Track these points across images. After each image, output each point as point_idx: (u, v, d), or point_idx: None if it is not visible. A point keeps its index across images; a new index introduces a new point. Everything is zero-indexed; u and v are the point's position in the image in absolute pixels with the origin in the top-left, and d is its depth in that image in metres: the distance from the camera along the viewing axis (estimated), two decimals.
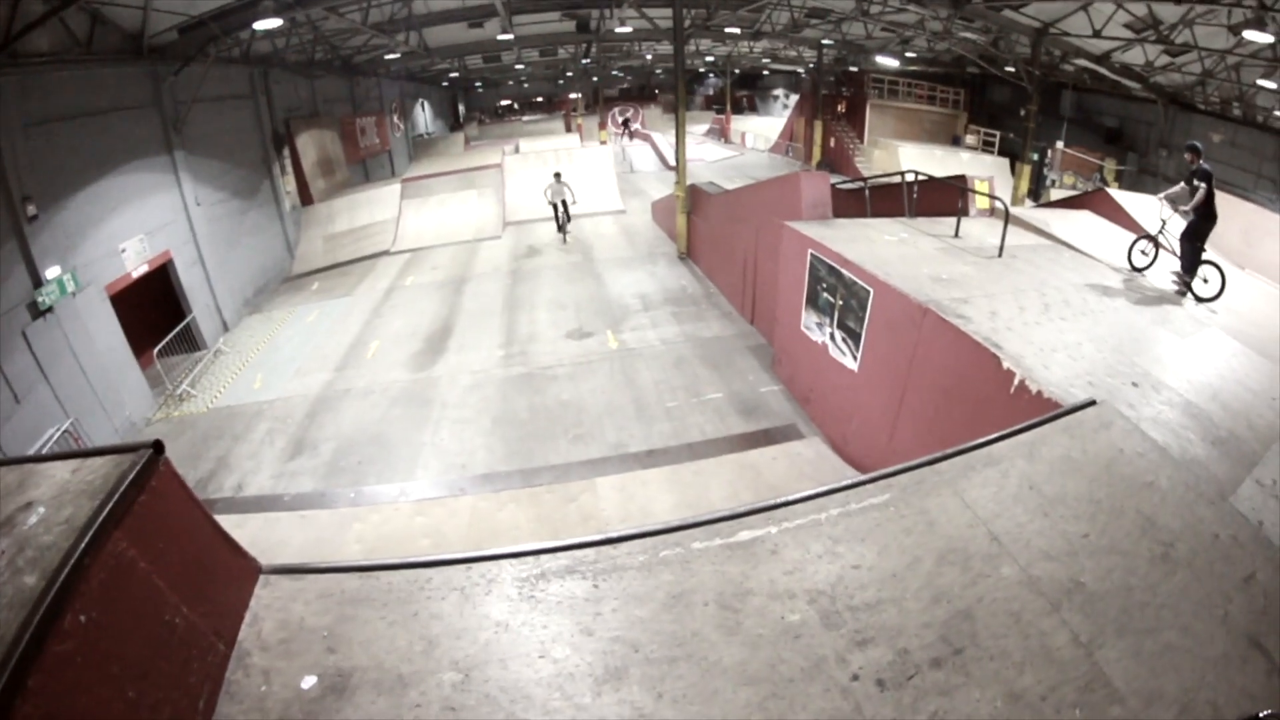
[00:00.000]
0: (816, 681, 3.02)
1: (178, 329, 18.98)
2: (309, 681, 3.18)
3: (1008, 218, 10.94)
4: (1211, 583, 3.53)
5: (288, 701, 3.11)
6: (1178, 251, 10.44)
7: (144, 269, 17.91)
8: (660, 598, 3.45)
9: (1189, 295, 9.97)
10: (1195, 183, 10.18)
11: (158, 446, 3.20)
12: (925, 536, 3.60)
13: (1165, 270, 10.48)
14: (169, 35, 18.58)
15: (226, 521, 3.62)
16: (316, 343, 19.38)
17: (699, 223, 21.22)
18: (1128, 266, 10.77)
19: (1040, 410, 6.06)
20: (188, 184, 20.39)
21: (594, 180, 31.55)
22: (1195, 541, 3.76)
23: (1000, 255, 10.48)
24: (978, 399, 7.63)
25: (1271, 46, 19.12)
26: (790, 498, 3.94)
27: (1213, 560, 3.67)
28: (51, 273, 14.04)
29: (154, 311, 19.22)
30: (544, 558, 3.73)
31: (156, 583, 3.00)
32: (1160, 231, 10.89)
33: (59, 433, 13.16)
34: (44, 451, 11.60)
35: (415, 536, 9.66)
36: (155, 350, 17.40)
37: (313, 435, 14.09)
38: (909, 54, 35.02)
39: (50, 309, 13.81)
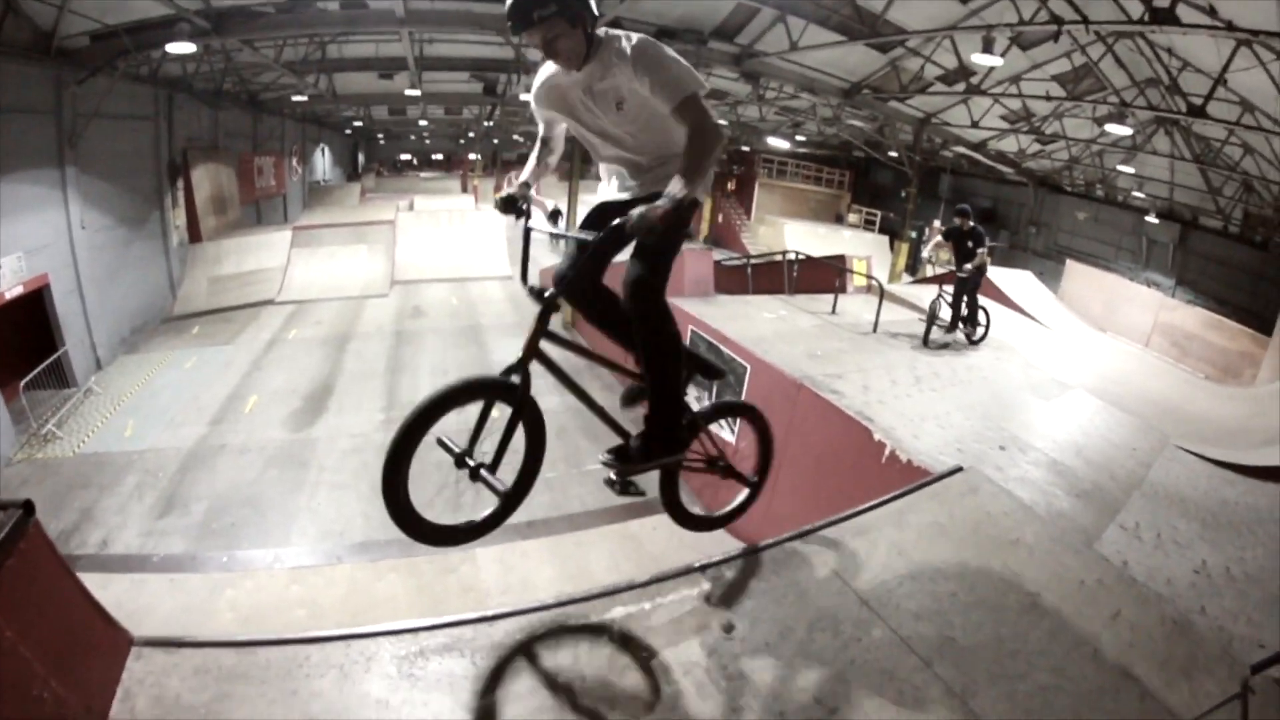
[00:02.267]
0: None
1: (48, 361, 18.12)
2: None
3: (882, 295, 11.62)
4: (1080, 624, 3.75)
5: None
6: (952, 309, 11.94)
7: (18, 290, 17.01)
8: (555, 672, 3.52)
9: (969, 339, 11.73)
10: (971, 245, 11.73)
11: (28, 507, 3.01)
12: (797, 607, 3.75)
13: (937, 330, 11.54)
14: (80, 40, 17.97)
15: (91, 581, 3.49)
16: (194, 392, 18.80)
17: None
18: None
19: (911, 478, 6.36)
20: (75, 204, 19.47)
21: (484, 244, 31.98)
22: (1062, 589, 3.99)
23: (875, 330, 11.08)
24: (851, 469, 7.91)
25: (1131, 137, 21.86)
26: (665, 573, 4.11)
27: (1080, 604, 3.90)
28: None
29: (22, 340, 18.32)
30: (422, 635, 3.75)
31: (23, 654, 2.81)
32: (938, 298, 11.93)
33: None
34: None
35: (291, 606, 9.48)
36: (21, 383, 16.62)
37: (185, 492, 13.63)
38: (799, 136, 36.67)
39: None
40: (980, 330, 11.97)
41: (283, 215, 41.25)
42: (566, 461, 13.84)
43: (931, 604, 3.85)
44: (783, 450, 8.95)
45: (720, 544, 10.33)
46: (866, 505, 4.81)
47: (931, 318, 11.45)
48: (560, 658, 3.59)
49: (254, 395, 18.32)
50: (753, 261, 17.44)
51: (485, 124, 46.92)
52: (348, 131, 62.27)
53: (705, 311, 11.94)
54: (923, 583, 4.01)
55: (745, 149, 44.20)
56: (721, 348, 10.83)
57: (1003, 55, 17.15)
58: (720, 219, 42.26)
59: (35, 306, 18.55)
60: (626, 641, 3.68)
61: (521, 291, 15.74)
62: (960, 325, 11.97)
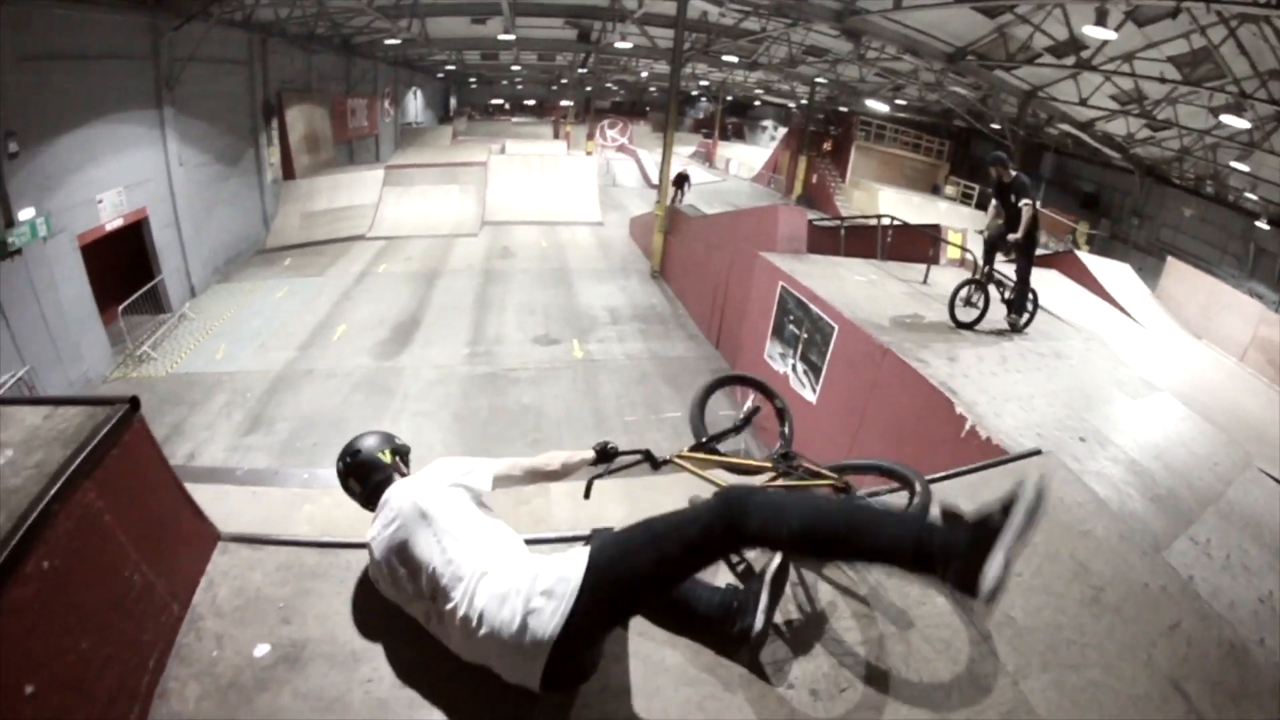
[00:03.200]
0: (754, 687, 3.10)
1: (145, 289, 18.82)
2: (262, 650, 3.14)
3: (977, 269, 11.13)
4: (1138, 628, 3.62)
5: (239, 668, 3.07)
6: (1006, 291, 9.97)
7: (119, 223, 17.71)
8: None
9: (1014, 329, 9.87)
10: (1014, 200, 9.28)
11: (134, 403, 3.13)
12: (864, 568, 3.69)
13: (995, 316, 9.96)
14: None
15: None
16: (284, 319, 19.25)
17: (675, 243, 21.41)
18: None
19: (988, 455, 6.17)
20: (173, 143, 20.15)
21: (575, 190, 31.66)
22: (1125, 589, 3.83)
23: (966, 305, 10.59)
24: (929, 440, 7.70)
25: (1248, 132, 19.93)
26: None
27: (1141, 607, 3.75)
28: (25, 214, 13.73)
29: (123, 268, 18.95)
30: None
31: (120, 538, 2.93)
32: (984, 270, 9.89)
33: (13, 379, 12.95)
34: None
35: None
36: (120, 308, 17.21)
37: (271, 412, 14.01)
38: (899, 101, 35.49)
39: (19, 251, 13.56)
40: (1026, 317, 9.98)
41: (375, 155, 41.69)
42: (646, 406, 13.86)
43: None
44: (863, 411, 8.95)
45: None
46: (944, 473, 4.69)
47: (954, 296, 9.96)
48: None
49: (342, 324, 18.63)
50: (846, 223, 16.96)
51: (579, 71, 46.83)
52: (440, 75, 62.41)
53: (796, 268, 11.60)
54: None
55: (843, 110, 42.97)
56: (810, 306, 10.58)
57: (1116, 29, 16.21)
58: (815, 179, 41.16)
59: (134, 237, 19.28)
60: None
61: (610, 238, 15.74)
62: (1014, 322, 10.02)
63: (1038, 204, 9.22)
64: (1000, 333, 9.69)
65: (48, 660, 2.40)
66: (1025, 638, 3.48)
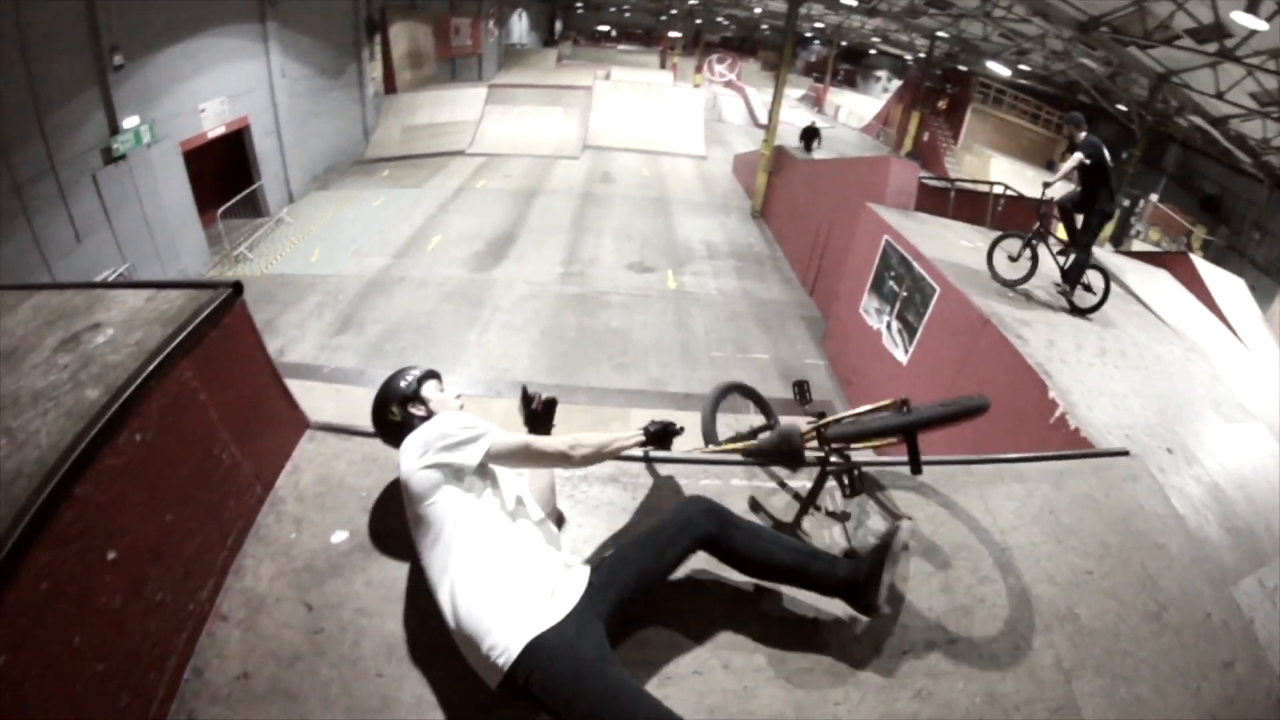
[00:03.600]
0: (821, 633, 3.07)
1: (244, 193, 19.43)
2: (339, 536, 3.18)
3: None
4: (1193, 656, 3.41)
5: (314, 552, 3.11)
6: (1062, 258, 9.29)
7: (220, 130, 18.24)
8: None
9: (1071, 307, 9.03)
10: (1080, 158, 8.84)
11: (237, 287, 3.14)
12: (946, 528, 3.60)
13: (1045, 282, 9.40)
14: None
15: None
16: (379, 227, 19.52)
17: (779, 184, 20.91)
18: (987, 272, 9.55)
19: (1074, 446, 6.03)
20: (275, 55, 20.56)
21: (680, 122, 31.25)
22: (1188, 613, 3.61)
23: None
24: (1017, 420, 7.40)
25: None
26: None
27: (1199, 636, 3.52)
28: (129, 122, 14.29)
29: (224, 173, 19.47)
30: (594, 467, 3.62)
31: (212, 417, 2.97)
32: (1036, 232, 9.25)
33: (114, 274, 13.57)
34: None
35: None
36: (219, 210, 17.78)
37: (361, 315, 14.24)
38: (1022, 66, 33.60)
39: (124, 156, 14.15)
40: (1089, 296, 9.01)
41: (478, 74, 41.61)
42: (735, 344, 13.63)
43: (1067, 574, 3.57)
44: (955, 381, 8.93)
45: None
46: (1030, 454, 4.38)
47: (993, 246, 9.51)
48: None
49: (438, 235, 18.79)
50: (957, 185, 16.26)
51: (690, 2, 45.82)
52: None
53: (903, 225, 11.13)
54: (1065, 550, 3.70)
55: (962, 69, 40.96)
56: (913, 264, 10.19)
57: (1269, 20, 14.52)
58: (925, 138, 39.61)
59: (236, 145, 19.86)
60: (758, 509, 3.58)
61: (713, 173, 15.35)
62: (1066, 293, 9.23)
63: (1104, 164, 8.79)
64: (1102, 322, 9.01)
65: (132, 528, 2.46)
66: (1085, 638, 3.31)
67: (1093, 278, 8.95)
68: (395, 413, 3.11)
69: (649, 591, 2.78)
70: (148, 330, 2.83)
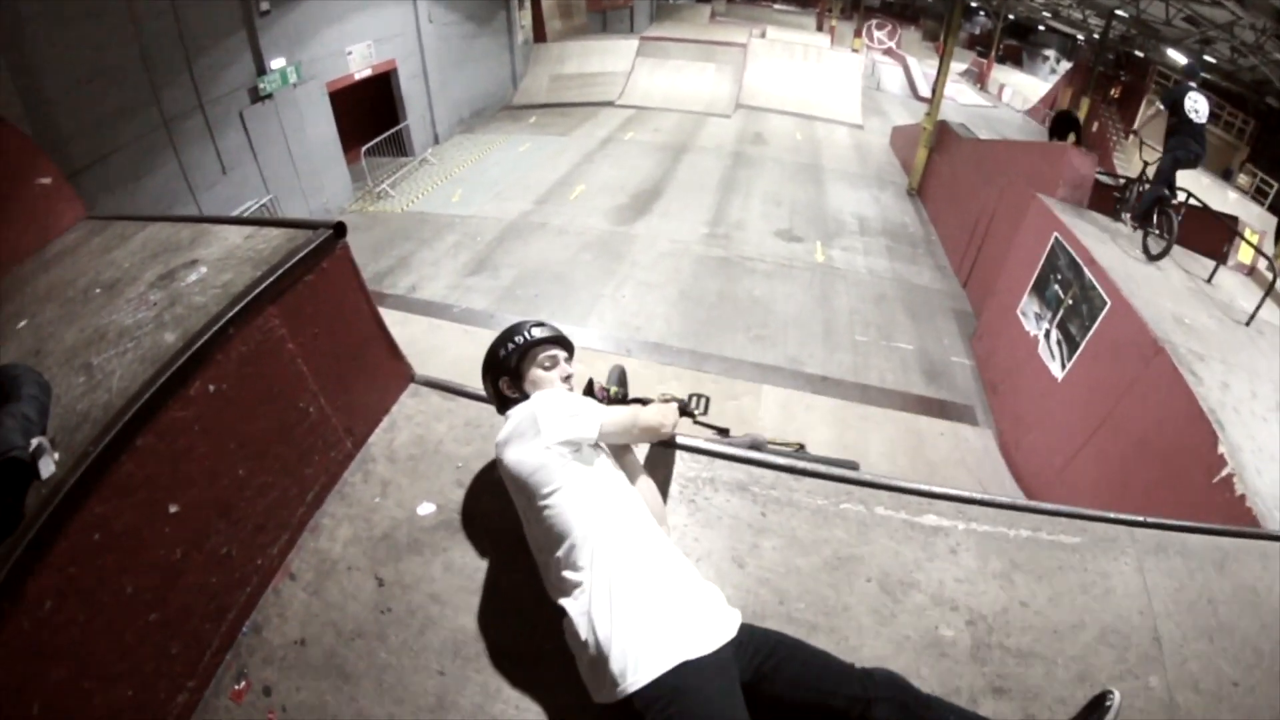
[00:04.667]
0: None
1: (389, 133, 19.70)
2: (426, 509, 2.91)
3: (1274, 285, 9.22)
4: None
5: (397, 521, 2.87)
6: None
7: (367, 72, 18.70)
8: (825, 555, 2.98)
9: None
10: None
11: (339, 228, 2.90)
12: (1098, 603, 3.03)
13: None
14: None
15: (392, 318, 3.27)
16: (522, 173, 19.51)
17: (939, 163, 19.76)
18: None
19: (1233, 515, 5.40)
20: (422, 1, 20.88)
21: (838, 87, 30.34)
22: None
23: (1249, 324, 8.71)
24: (1173, 470, 6.57)
25: None
26: (991, 498, 3.36)
27: None
28: (276, 63, 14.87)
29: (370, 114, 19.95)
30: (719, 464, 3.22)
31: (300, 367, 2.75)
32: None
33: (257, 205, 14.17)
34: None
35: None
36: (364, 148, 18.19)
37: (497, 258, 14.22)
38: (1206, 57, 30.84)
39: (270, 95, 14.81)
40: (1157, 239, 9.69)
41: (629, 26, 41.33)
42: (879, 330, 12.86)
43: (1213, 681, 2.97)
44: (1111, 410, 8.02)
45: (1000, 480, 9.43)
46: (1199, 525, 3.62)
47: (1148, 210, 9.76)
48: (854, 546, 3.07)
49: (581, 184, 18.60)
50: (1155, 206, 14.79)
51: None
52: None
53: (1076, 223, 10.19)
54: (1216, 651, 3.07)
55: (1138, 54, 38.04)
56: (1084, 269, 9.20)
57: None
58: (1094, 127, 36.67)
59: (383, 86, 20.33)
60: (928, 558, 3.09)
61: (869, 144, 14.81)
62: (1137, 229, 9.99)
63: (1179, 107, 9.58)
64: None
65: (199, 481, 2.38)
66: None
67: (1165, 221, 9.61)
68: (495, 385, 2.80)
69: (781, 700, 2.29)
70: (238, 271, 2.69)
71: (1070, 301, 9.40)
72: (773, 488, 3.17)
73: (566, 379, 2.72)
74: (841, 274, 14.83)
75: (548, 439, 2.32)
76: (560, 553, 2.29)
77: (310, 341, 2.77)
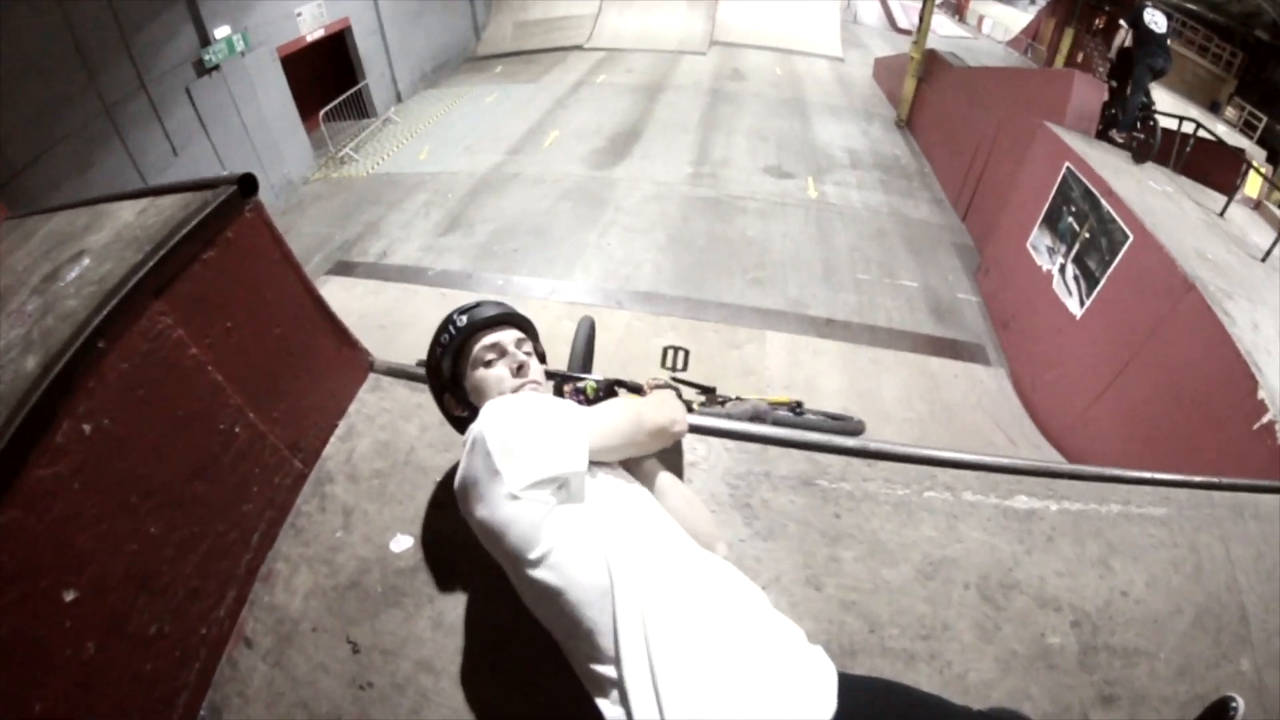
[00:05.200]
0: None
1: (347, 94, 19.20)
2: (402, 544, 2.24)
3: None
4: None
5: (366, 563, 2.21)
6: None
7: (320, 33, 18.21)
8: (915, 560, 2.41)
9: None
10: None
11: (245, 182, 2.10)
12: (1190, 582, 2.66)
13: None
14: None
15: (363, 289, 2.61)
16: (492, 124, 18.96)
17: (929, 93, 19.21)
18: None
19: (1275, 465, 5.09)
20: None
21: (815, 19, 29.78)
22: None
23: (1265, 259, 8.42)
24: (1208, 418, 6.16)
25: None
26: (1080, 469, 2.93)
27: None
28: (220, 32, 14.43)
29: (327, 77, 19.46)
30: (773, 451, 2.56)
31: (213, 377, 2.01)
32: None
33: None
34: None
35: (561, 340, 9.16)
36: (321, 113, 17.68)
37: (471, 214, 13.68)
38: None
39: (216, 67, 14.43)
40: (1145, 145, 10.21)
41: None
42: (881, 268, 12.31)
43: None
44: (1136, 351, 7.66)
45: (1019, 421, 9.22)
46: (1268, 483, 3.21)
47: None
48: (946, 545, 2.51)
49: (555, 131, 18.01)
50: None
51: None
52: None
53: (1089, 154, 9.67)
54: None
55: None
56: (1101, 201, 8.73)
57: None
58: (1079, 59, 35.91)
59: (337, 46, 19.67)
60: (1025, 551, 2.57)
61: (851, 76, 14.50)
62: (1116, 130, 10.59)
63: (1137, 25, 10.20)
64: None
65: (95, 555, 1.77)
66: None
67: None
68: (441, 405, 2.13)
69: None
70: (120, 259, 1.93)
71: (1087, 235, 8.92)
72: (843, 478, 2.54)
73: (520, 370, 1.98)
74: (837, 210, 14.27)
75: (511, 484, 1.59)
76: (576, 638, 1.60)
77: (222, 340, 2.05)
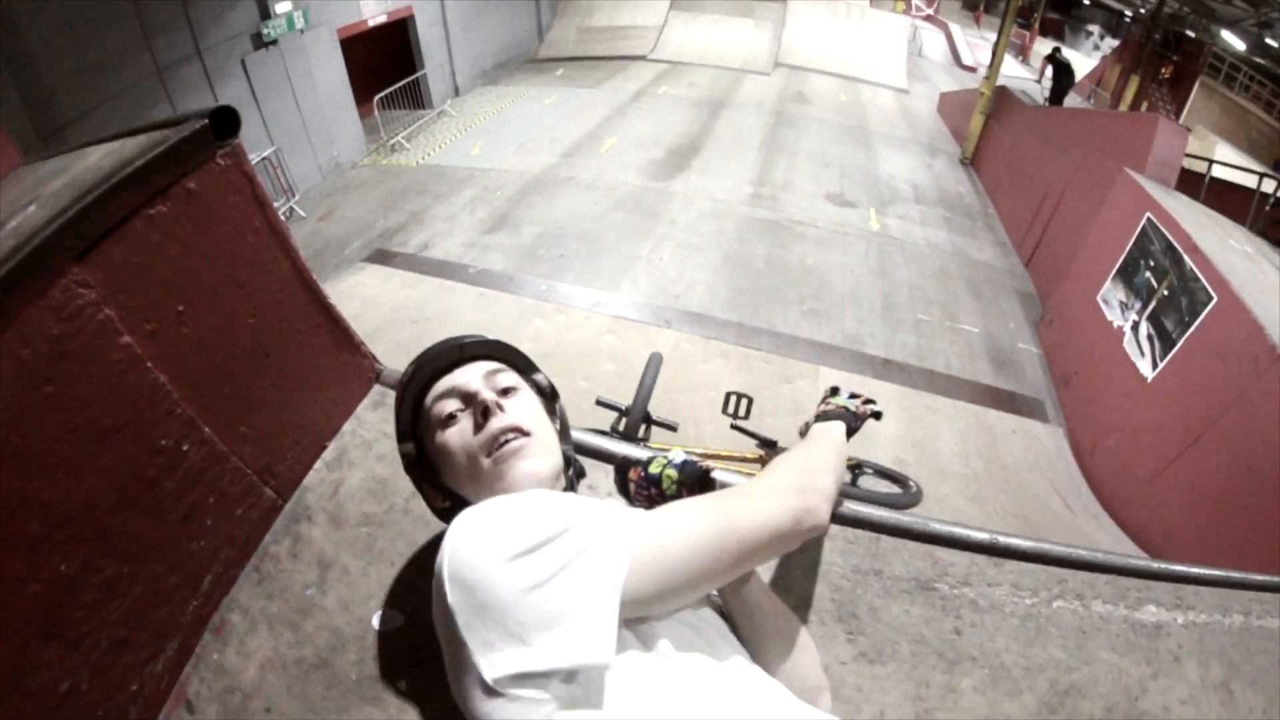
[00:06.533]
0: None
1: (404, 82, 19.18)
2: (389, 621, 1.73)
3: None
4: None
5: (343, 638, 1.69)
6: None
7: (382, 19, 18.29)
8: (1041, 689, 1.95)
9: None
10: None
11: (222, 117, 1.54)
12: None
13: None
14: None
15: (399, 280, 2.20)
16: (548, 125, 18.79)
17: (998, 131, 18.68)
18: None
19: None
20: None
21: (881, 49, 29.60)
22: None
23: None
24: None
25: None
26: (1207, 573, 2.51)
27: None
28: (282, 7, 14.54)
29: (386, 63, 19.51)
30: (885, 542, 2.06)
31: (154, 376, 1.47)
32: None
33: (259, 158, 13.57)
34: None
35: (600, 356, 8.91)
36: (376, 99, 17.74)
37: (519, 214, 13.40)
38: (1270, 41, 29.06)
39: (274, 41, 14.44)
40: None
41: None
42: (942, 309, 11.82)
43: None
44: (1210, 424, 7.03)
45: (1075, 486, 8.61)
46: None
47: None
48: (1074, 666, 2.06)
49: (613, 138, 17.79)
50: (1213, 173, 13.69)
51: None
52: None
53: (1171, 204, 9.21)
54: None
55: (1190, 34, 36.13)
56: (1184, 257, 8.17)
57: None
58: (1143, 108, 34.98)
59: (399, 34, 19.74)
60: (1152, 674, 2.11)
61: (916, 109, 14.02)
62: None
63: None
64: None
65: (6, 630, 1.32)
66: None
67: None
68: (422, 493, 1.59)
69: None
70: (41, 211, 1.41)
71: (1165, 292, 8.36)
72: (966, 583, 2.02)
73: (489, 426, 1.40)
74: (899, 244, 13.83)
75: (486, 671, 1.01)
76: None
77: (170, 328, 1.51)
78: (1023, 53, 50.42)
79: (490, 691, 0.99)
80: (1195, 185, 12.25)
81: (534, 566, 1.04)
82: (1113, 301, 9.49)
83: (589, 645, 1.00)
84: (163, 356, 1.46)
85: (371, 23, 17.67)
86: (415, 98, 19.68)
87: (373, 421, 2.10)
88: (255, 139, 13.84)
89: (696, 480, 1.47)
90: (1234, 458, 6.56)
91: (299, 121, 15.26)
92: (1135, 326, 8.80)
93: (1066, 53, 50.06)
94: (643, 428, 3.06)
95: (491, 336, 1.57)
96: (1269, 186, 11.28)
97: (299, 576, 1.78)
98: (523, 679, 0.99)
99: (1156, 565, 2.33)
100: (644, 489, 1.50)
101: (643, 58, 27.07)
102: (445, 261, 11.47)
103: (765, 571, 1.89)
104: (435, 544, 1.69)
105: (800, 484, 1.34)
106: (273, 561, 1.80)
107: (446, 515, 1.45)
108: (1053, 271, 12.19)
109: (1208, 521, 6.56)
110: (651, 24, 28.71)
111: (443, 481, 1.45)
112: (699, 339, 9.72)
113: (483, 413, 1.37)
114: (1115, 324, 9.28)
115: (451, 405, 1.41)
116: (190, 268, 1.52)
